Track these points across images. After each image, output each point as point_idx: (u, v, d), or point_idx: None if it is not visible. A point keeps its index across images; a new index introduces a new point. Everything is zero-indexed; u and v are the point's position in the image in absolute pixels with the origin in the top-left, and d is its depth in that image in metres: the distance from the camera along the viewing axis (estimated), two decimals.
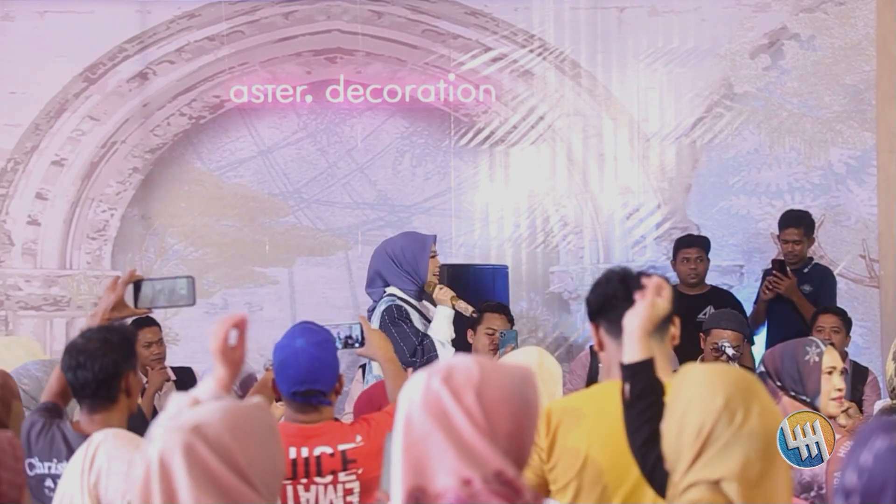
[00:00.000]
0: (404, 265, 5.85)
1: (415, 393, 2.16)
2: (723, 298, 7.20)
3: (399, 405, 2.20)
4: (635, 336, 2.84)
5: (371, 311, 5.95)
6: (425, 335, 5.79)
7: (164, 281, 3.88)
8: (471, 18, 8.10)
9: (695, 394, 2.46)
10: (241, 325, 2.57)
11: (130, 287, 3.90)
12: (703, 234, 7.76)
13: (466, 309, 5.89)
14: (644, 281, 2.89)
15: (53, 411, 3.76)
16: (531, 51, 8.09)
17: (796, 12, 8.11)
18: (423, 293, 5.94)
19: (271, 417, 2.27)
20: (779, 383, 3.86)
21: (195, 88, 8.05)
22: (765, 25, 8.11)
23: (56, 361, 4.30)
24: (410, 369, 5.56)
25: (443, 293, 5.88)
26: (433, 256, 5.95)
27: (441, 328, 5.85)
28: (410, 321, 5.81)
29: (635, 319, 2.84)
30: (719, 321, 6.18)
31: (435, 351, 5.74)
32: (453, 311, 5.87)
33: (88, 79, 7.98)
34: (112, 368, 3.54)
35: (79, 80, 7.98)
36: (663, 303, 2.87)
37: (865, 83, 8.08)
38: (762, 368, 3.87)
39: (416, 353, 5.70)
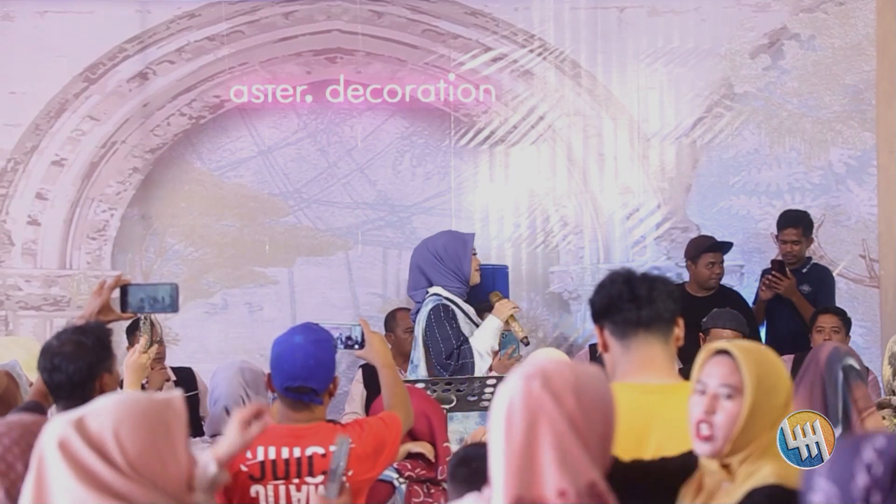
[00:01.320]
0: (447, 262, 5.85)
1: (515, 398, 2.13)
2: (731, 300, 7.13)
3: (496, 410, 2.16)
4: None
5: (416, 313, 5.93)
6: (465, 340, 5.76)
7: (148, 287, 3.94)
8: (471, 18, 8.10)
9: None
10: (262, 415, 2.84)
11: (117, 291, 3.94)
12: (702, 234, 7.76)
13: (518, 332, 5.85)
14: None
15: (33, 410, 3.77)
16: (531, 51, 8.08)
17: (796, 12, 8.10)
18: (469, 292, 5.94)
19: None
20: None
21: (195, 88, 8.04)
22: (765, 25, 8.10)
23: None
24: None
25: (504, 307, 5.86)
26: (474, 254, 5.97)
27: (485, 339, 5.80)
28: (456, 321, 5.78)
29: None
30: (718, 320, 6.20)
31: (471, 358, 5.70)
32: (502, 325, 5.84)
33: (88, 79, 7.98)
34: (87, 371, 3.55)
35: (79, 80, 7.97)
36: None
37: (865, 83, 8.07)
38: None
39: (452, 356, 5.68)
